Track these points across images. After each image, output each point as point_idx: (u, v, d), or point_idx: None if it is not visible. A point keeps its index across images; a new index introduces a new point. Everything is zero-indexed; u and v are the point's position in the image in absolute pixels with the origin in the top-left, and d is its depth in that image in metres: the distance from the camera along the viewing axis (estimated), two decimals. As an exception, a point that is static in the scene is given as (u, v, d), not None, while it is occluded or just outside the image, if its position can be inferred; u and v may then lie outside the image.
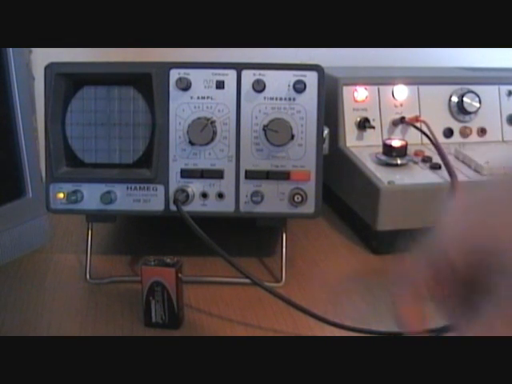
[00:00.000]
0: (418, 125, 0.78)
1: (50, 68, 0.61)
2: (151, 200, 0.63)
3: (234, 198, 0.62)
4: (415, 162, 0.74)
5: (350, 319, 0.55)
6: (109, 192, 0.62)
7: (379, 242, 0.70)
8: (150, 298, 0.55)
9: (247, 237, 0.73)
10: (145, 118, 0.62)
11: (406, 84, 0.80)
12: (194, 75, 0.61)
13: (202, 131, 0.60)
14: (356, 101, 0.79)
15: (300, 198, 0.61)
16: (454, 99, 0.81)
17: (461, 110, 0.81)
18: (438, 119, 0.80)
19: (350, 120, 0.78)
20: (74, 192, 0.62)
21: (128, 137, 0.62)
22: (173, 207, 0.61)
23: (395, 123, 0.79)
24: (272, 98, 0.61)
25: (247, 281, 0.58)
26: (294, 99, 0.61)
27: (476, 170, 0.72)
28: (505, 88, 0.83)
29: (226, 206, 0.62)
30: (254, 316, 0.58)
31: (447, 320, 0.39)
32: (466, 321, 0.37)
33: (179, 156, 0.62)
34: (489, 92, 0.82)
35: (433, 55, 0.95)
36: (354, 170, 0.73)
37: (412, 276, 0.40)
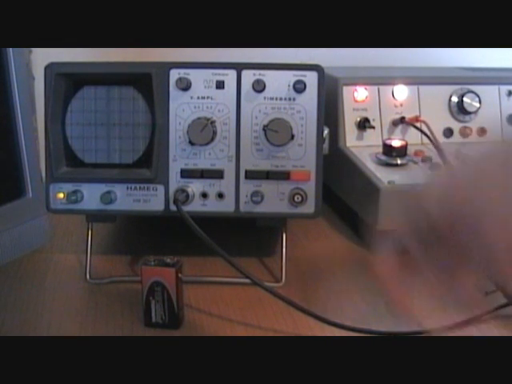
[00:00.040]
0: (418, 125, 0.78)
1: (50, 68, 0.61)
2: (151, 200, 0.63)
3: (233, 198, 0.62)
4: (415, 162, 0.74)
5: (349, 319, 0.55)
6: (109, 192, 0.62)
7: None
8: (150, 298, 0.55)
9: (247, 237, 0.73)
10: (145, 118, 0.62)
11: (406, 84, 0.80)
12: (193, 75, 0.61)
13: (202, 131, 0.60)
14: (356, 101, 0.79)
15: (300, 198, 0.61)
16: (454, 99, 0.81)
17: (461, 110, 0.81)
18: (438, 119, 0.80)
19: (350, 120, 0.78)
20: (74, 192, 0.62)
21: (128, 137, 0.62)
22: (173, 207, 0.61)
23: (395, 123, 0.79)
24: (272, 98, 0.61)
25: (247, 281, 0.58)
26: (293, 99, 0.61)
27: (476, 170, 0.72)
28: (505, 88, 0.82)
29: (226, 206, 0.62)
30: (254, 316, 0.58)
31: (427, 274, 0.41)
32: (444, 276, 0.39)
33: (179, 156, 0.62)
34: (489, 92, 0.82)
35: (433, 55, 0.95)
36: (354, 170, 0.73)
37: (396, 236, 0.42)
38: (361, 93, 0.79)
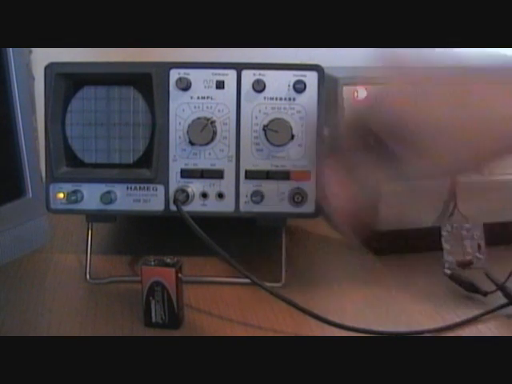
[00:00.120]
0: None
1: (50, 68, 0.61)
2: (151, 200, 0.63)
3: (234, 198, 0.62)
4: (415, 162, 0.74)
5: (350, 319, 0.55)
6: (109, 192, 0.62)
7: (379, 242, 0.70)
8: (150, 298, 0.55)
9: (247, 237, 0.73)
10: (145, 118, 0.62)
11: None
12: (193, 75, 0.61)
13: (202, 131, 0.60)
14: (356, 101, 0.79)
15: (300, 198, 0.61)
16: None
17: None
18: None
19: (350, 120, 0.78)
20: (74, 192, 0.62)
21: (128, 137, 0.62)
22: (173, 207, 0.61)
23: (395, 123, 0.79)
24: (272, 98, 0.61)
25: (247, 281, 0.58)
26: (293, 99, 0.61)
27: (476, 170, 0.72)
28: (505, 88, 0.82)
29: (226, 206, 0.62)
30: (254, 316, 0.58)
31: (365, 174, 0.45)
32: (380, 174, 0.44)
33: (179, 156, 0.62)
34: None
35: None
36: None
37: (340, 140, 0.47)
38: (361, 93, 0.79)
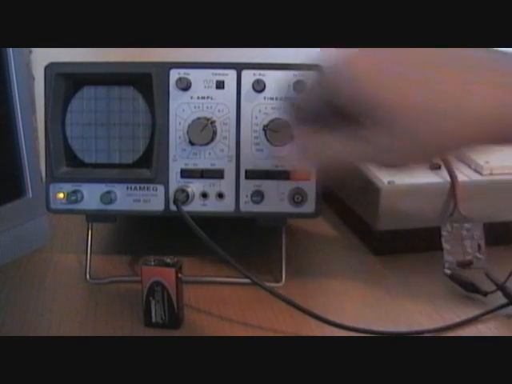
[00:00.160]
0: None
1: (50, 68, 0.61)
2: (151, 200, 0.63)
3: (234, 198, 0.62)
4: (415, 162, 0.74)
5: (350, 319, 0.55)
6: (109, 192, 0.62)
7: (379, 242, 0.70)
8: (150, 298, 0.55)
9: (247, 237, 0.73)
10: (145, 118, 0.62)
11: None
12: (193, 75, 0.61)
13: (202, 131, 0.60)
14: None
15: (300, 198, 0.61)
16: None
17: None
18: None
19: (349, 120, 0.78)
20: (74, 192, 0.62)
21: (128, 137, 0.62)
22: (173, 207, 0.61)
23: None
24: (272, 98, 0.61)
25: (247, 281, 0.58)
26: (294, 99, 0.61)
27: (476, 170, 0.72)
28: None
29: (226, 206, 0.62)
30: (254, 316, 0.58)
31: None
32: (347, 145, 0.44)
33: (179, 156, 0.62)
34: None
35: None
36: (354, 169, 0.73)
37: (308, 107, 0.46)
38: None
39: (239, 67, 0.61)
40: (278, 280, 0.63)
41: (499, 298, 0.59)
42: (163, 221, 0.66)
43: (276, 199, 0.62)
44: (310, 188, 0.62)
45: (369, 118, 0.41)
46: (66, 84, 0.62)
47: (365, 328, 0.54)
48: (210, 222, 0.59)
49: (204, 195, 0.62)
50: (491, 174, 0.70)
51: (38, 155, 0.70)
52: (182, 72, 0.61)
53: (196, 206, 0.62)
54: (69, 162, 0.63)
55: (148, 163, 0.62)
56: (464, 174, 0.71)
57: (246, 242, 0.72)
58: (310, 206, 0.62)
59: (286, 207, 0.62)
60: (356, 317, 0.57)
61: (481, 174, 0.71)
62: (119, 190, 0.62)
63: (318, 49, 0.54)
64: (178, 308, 0.55)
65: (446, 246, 0.64)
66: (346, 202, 0.77)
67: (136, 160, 0.62)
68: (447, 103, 0.40)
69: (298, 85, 0.60)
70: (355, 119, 0.42)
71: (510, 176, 0.71)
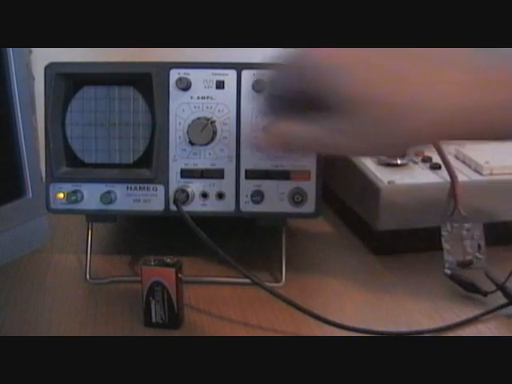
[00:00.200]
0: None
1: (50, 68, 0.61)
2: (151, 200, 0.63)
3: (234, 198, 0.62)
4: (415, 162, 0.74)
5: (350, 319, 0.55)
6: (109, 192, 0.62)
7: (379, 242, 0.70)
8: (150, 298, 0.55)
9: (247, 237, 0.73)
10: (145, 118, 0.62)
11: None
12: (193, 75, 0.61)
13: (202, 131, 0.60)
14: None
15: (300, 198, 0.61)
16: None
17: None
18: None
19: (349, 120, 0.78)
20: (74, 192, 0.62)
21: (128, 137, 0.62)
22: (173, 207, 0.61)
23: (395, 123, 0.79)
24: (272, 98, 0.61)
25: (247, 281, 0.58)
26: (294, 99, 0.61)
27: (476, 170, 0.72)
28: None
29: (226, 206, 0.62)
30: (254, 316, 0.58)
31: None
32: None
33: (179, 156, 0.62)
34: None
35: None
36: (354, 169, 0.73)
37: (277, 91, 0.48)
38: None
39: (239, 67, 0.61)
40: (278, 280, 0.63)
41: (499, 298, 0.59)
42: (163, 221, 0.66)
43: (276, 199, 0.62)
44: (310, 188, 0.62)
45: (334, 107, 0.42)
46: (66, 84, 0.62)
47: (365, 328, 0.54)
48: (210, 221, 0.59)
49: (204, 195, 0.62)
50: (491, 174, 0.71)
51: (37, 155, 0.70)
52: (181, 72, 0.61)
53: (196, 205, 0.62)
54: (69, 162, 0.63)
55: (148, 163, 0.62)
56: (464, 174, 0.71)
57: (246, 242, 0.72)
58: (309, 206, 0.62)
59: (286, 207, 0.62)
60: (356, 317, 0.57)
61: (481, 174, 0.71)
62: (119, 190, 0.62)
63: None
64: (178, 308, 0.55)
65: (446, 246, 0.64)
66: (346, 202, 0.77)
67: (136, 160, 0.62)
68: (412, 98, 0.40)
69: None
70: (323, 107, 0.43)
71: (510, 176, 0.71)
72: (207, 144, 0.61)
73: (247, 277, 0.57)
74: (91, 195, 0.62)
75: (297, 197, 0.61)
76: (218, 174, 0.62)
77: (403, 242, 0.70)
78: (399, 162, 0.72)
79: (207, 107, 0.61)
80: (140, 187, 0.62)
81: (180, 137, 0.62)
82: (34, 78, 0.86)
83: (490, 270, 0.61)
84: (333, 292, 0.63)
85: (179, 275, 0.55)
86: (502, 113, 0.40)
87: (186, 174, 0.62)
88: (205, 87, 0.61)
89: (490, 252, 0.64)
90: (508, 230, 0.71)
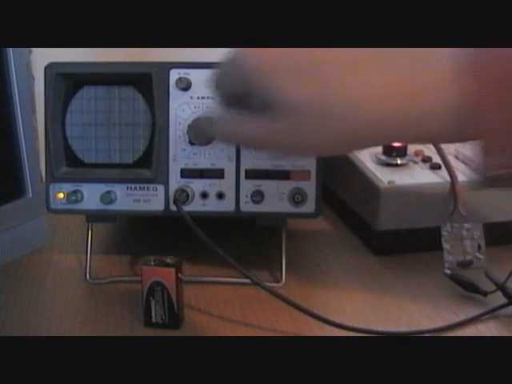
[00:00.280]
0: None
1: (50, 68, 0.61)
2: (151, 200, 0.63)
3: (234, 198, 0.62)
4: (415, 162, 0.74)
5: (350, 319, 0.55)
6: (109, 192, 0.62)
7: (379, 242, 0.70)
8: (150, 298, 0.55)
9: (247, 237, 0.73)
10: (145, 118, 0.62)
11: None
12: (193, 75, 0.61)
13: (202, 131, 0.60)
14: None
15: (300, 198, 0.61)
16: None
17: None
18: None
19: (350, 120, 0.78)
20: (74, 192, 0.62)
21: (128, 137, 0.62)
22: (173, 207, 0.61)
23: (395, 123, 0.79)
24: (272, 98, 0.61)
25: (247, 281, 0.58)
26: (294, 99, 0.61)
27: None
28: None
29: (226, 206, 0.62)
30: (254, 316, 0.58)
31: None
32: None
33: (179, 156, 0.62)
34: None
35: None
36: (354, 170, 0.73)
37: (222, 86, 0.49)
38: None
39: (239, 67, 0.61)
40: (278, 280, 0.63)
41: (499, 298, 0.59)
42: (163, 221, 0.66)
43: (276, 199, 0.62)
44: (310, 188, 0.62)
45: (270, 106, 0.43)
46: (66, 84, 0.62)
47: (365, 328, 0.54)
48: (210, 222, 0.59)
49: (204, 195, 0.62)
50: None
51: (37, 155, 0.70)
52: (181, 72, 0.61)
53: (196, 205, 0.62)
54: (69, 162, 0.63)
55: (148, 163, 0.62)
56: (464, 174, 0.71)
57: (246, 242, 0.72)
58: (310, 206, 0.62)
59: (286, 207, 0.62)
60: (356, 317, 0.57)
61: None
62: (119, 190, 0.62)
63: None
64: (178, 308, 0.55)
65: (446, 246, 0.64)
66: (347, 202, 0.77)
67: (136, 160, 0.62)
68: (342, 101, 0.41)
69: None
70: (264, 106, 0.43)
71: (510, 176, 0.71)
72: (207, 144, 0.61)
73: (247, 277, 0.57)
74: (91, 195, 0.62)
75: (297, 197, 0.61)
76: (217, 173, 0.62)
77: (403, 242, 0.70)
78: (399, 162, 0.72)
79: (207, 107, 0.61)
80: (140, 187, 0.62)
81: (180, 137, 0.62)
82: (34, 78, 0.86)
83: (489, 270, 0.62)
84: (333, 292, 0.63)
85: (179, 275, 0.55)
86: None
87: (186, 173, 0.62)
88: (205, 87, 0.61)
89: (489, 252, 0.64)
90: (508, 230, 0.71)
